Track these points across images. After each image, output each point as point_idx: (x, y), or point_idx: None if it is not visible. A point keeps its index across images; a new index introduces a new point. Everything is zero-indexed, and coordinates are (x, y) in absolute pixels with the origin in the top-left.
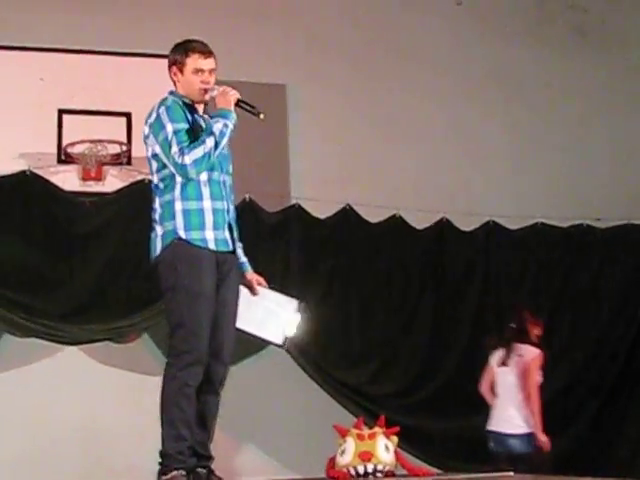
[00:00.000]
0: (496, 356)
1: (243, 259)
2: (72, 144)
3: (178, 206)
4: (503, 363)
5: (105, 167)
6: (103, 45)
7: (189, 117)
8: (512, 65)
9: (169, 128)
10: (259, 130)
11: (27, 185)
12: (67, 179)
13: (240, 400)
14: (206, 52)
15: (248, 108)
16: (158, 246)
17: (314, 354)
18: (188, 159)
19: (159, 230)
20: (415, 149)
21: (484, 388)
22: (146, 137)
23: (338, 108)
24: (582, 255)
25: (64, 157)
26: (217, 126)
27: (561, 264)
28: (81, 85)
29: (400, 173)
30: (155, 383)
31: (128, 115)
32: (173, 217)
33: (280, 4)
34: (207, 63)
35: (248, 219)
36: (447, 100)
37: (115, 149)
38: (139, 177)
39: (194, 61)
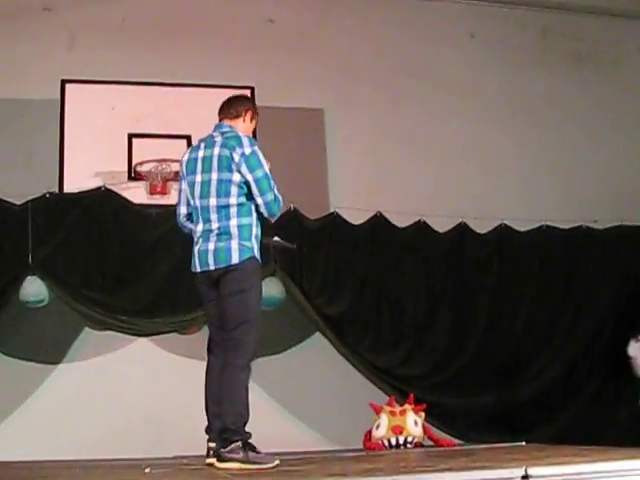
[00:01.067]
0: None
1: None
2: (140, 163)
3: (254, 231)
4: None
5: (169, 183)
6: (165, 77)
7: None
8: (519, 88)
9: (267, 167)
10: (302, 149)
11: (102, 199)
12: (136, 194)
13: (288, 381)
14: None
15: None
16: (235, 256)
17: (351, 341)
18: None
19: (235, 244)
20: (436, 163)
21: None
22: (231, 162)
23: (369, 128)
24: (581, 253)
25: (134, 175)
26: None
27: (563, 261)
28: (147, 112)
29: (424, 184)
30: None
31: (188, 137)
32: (250, 239)
33: (318, 39)
34: None
35: (293, 225)
36: (464, 119)
37: (177, 167)
38: None
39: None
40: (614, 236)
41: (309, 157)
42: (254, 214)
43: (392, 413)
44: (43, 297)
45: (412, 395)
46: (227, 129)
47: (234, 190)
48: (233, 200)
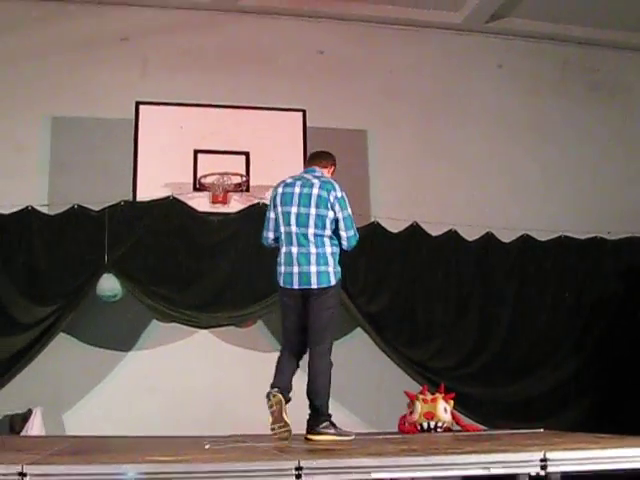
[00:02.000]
0: None
1: None
2: (204, 176)
3: (338, 259)
4: None
5: (229, 193)
6: (227, 100)
7: None
8: (542, 113)
9: (350, 210)
10: (347, 165)
11: (170, 207)
12: (200, 203)
13: (335, 370)
14: None
15: None
16: (332, 279)
17: (388, 336)
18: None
19: (331, 268)
20: (467, 178)
21: None
22: (328, 201)
23: (406, 147)
24: (595, 261)
25: (198, 186)
26: None
27: (578, 268)
28: (211, 131)
29: (455, 197)
30: (266, 358)
31: (247, 154)
32: (339, 265)
33: (361, 68)
34: None
35: None
36: (492, 140)
37: (237, 180)
38: (255, 201)
39: None
40: (625, 246)
41: (353, 172)
42: (338, 244)
43: (424, 401)
44: (117, 292)
45: (442, 385)
46: (320, 174)
47: (328, 224)
48: (328, 232)
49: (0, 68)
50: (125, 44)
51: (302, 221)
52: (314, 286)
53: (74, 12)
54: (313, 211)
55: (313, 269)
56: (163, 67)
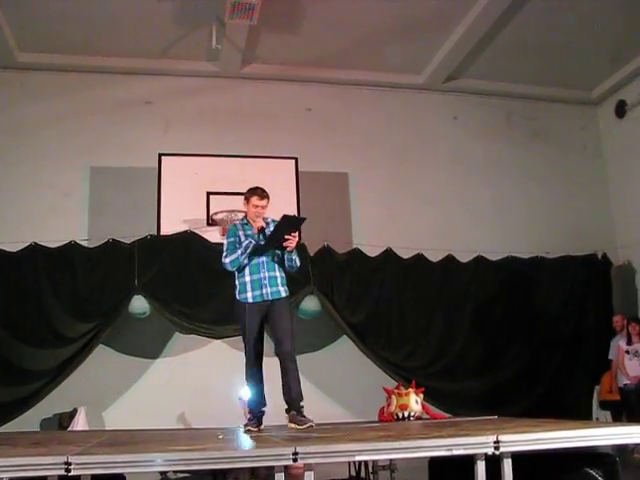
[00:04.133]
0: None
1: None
2: (216, 213)
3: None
4: None
5: None
6: (233, 151)
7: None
8: (492, 155)
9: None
10: (332, 202)
11: (189, 239)
12: (213, 235)
13: (323, 371)
14: (261, 195)
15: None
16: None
17: (369, 342)
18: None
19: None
20: (432, 210)
21: None
22: None
23: (381, 185)
24: (537, 275)
25: (211, 221)
26: (245, 243)
27: (524, 281)
28: (221, 176)
29: (422, 225)
30: (268, 362)
31: None
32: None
33: (343, 121)
34: (262, 202)
35: (326, 258)
36: (452, 177)
37: (242, 216)
38: None
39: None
40: (561, 263)
41: (337, 207)
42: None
43: (399, 394)
44: (145, 310)
45: (414, 381)
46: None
47: None
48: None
49: (50, 127)
50: (149, 106)
51: None
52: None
53: (107, 80)
54: None
55: None
56: (181, 125)
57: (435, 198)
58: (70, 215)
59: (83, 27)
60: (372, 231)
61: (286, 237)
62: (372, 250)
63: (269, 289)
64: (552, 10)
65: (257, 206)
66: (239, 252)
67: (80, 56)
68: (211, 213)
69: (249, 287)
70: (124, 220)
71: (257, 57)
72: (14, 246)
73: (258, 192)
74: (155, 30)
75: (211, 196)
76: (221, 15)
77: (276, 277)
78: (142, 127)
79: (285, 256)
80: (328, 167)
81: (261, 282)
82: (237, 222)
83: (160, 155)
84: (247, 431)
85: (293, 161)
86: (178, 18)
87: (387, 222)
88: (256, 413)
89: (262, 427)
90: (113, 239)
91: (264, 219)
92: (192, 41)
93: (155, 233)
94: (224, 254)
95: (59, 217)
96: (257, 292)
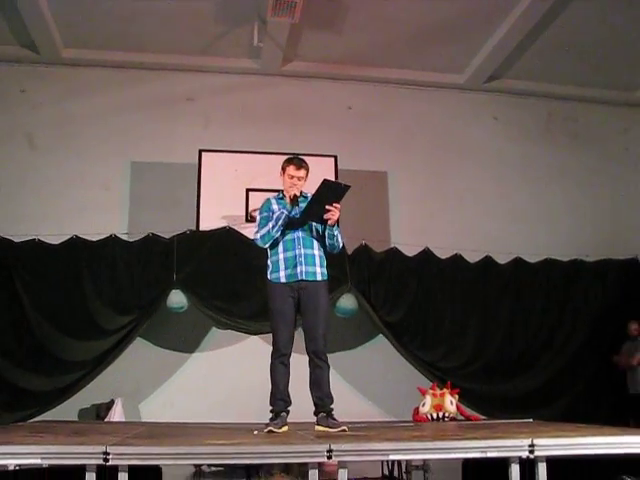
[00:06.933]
0: None
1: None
2: (254, 210)
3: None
4: None
5: None
6: (273, 148)
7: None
8: (531, 156)
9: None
10: (371, 200)
11: (227, 236)
12: (251, 232)
13: (359, 369)
14: (298, 165)
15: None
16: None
17: (405, 341)
18: (258, 235)
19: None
20: (471, 210)
21: None
22: None
23: (419, 185)
24: (577, 279)
25: (249, 218)
26: (277, 214)
27: (563, 285)
28: (260, 173)
29: (459, 226)
30: (302, 358)
31: None
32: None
33: (383, 120)
34: (298, 172)
35: (363, 257)
36: (490, 179)
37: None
38: None
39: (290, 169)
40: (601, 267)
41: (376, 206)
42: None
43: (434, 395)
44: (183, 305)
45: (449, 382)
46: None
47: None
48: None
49: (93, 123)
50: (190, 103)
51: None
52: None
53: (149, 77)
54: None
55: None
56: (221, 121)
57: (473, 199)
58: (111, 209)
59: (126, 24)
60: (410, 230)
61: (327, 207)
62: (409, 249)
63: (304, 267)
64: (596, 9)
65: (293, 177)
66: (270, 225)
67: (123, 52)
68: (250, 210)
69: (282, 265)
70: (163, 215)
71: (298, 55)
72: (56, 239)
73: (295, 161)
74: (197, 27)
75: (250, 193)
76: (263, 13)
77: (314, 255)
78: (183, 123)
79: (326, 232)
80: (367, 165)
81: (295, 260)
82: (271, 197)
83: (200, 151)
84: (269, 431)
85: (332, 159)
86: (220, 16)
87: (425, 222)
88: (279, 412)
89: (286, 429)
90: (152, 233)
91: (301, 193)
92: (233, 38)
93: (194, 228)
94: (255, 230)
95: (100, 211)
96: (290, 271)
